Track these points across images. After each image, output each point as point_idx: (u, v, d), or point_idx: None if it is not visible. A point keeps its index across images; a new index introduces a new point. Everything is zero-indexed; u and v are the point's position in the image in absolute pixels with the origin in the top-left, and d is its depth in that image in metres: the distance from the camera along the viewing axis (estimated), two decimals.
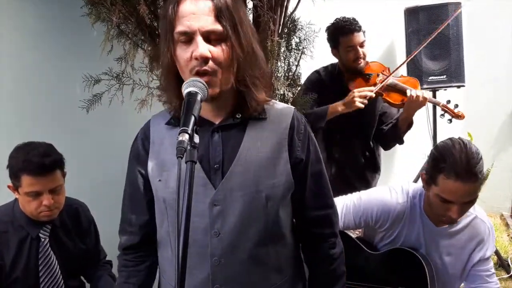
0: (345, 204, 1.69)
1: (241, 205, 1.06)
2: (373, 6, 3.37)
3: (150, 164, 1.12)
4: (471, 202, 1.46)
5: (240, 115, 1.08)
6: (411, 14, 3.41)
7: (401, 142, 2.45)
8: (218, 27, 0.98)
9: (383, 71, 2.41)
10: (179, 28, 0.99)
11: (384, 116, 2.49)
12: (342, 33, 2.34)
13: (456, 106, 2.31)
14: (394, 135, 2.41)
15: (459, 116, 2.28)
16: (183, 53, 1.00)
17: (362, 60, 2.38)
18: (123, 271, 1.21)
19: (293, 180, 1.11)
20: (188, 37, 0.98)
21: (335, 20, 2.40)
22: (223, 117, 1.09)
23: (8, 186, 1.62)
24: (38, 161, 1.55)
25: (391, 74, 2.36)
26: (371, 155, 2.55)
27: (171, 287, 1.16)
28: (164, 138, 1.12)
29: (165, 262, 1.18)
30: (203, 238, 1.06)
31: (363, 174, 2.53)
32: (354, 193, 1.73)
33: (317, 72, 2.55)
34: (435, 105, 2.34)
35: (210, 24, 0.98)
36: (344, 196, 1.75)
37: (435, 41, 3.34)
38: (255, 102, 1.07)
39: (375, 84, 2.35)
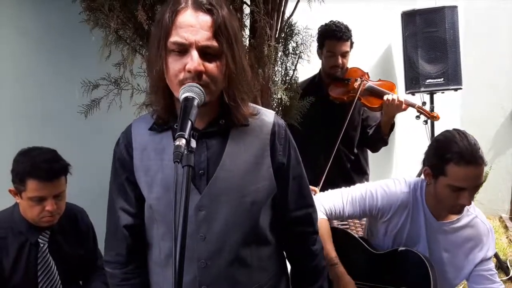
0: (349, 193, 1.73)
1: (226, 210, 1.09)
2: (370, 10, 3.38)
3: (136, 170, 1.13)
4: (479, 186, 1.52)
5: (223, 121, 1.10)
6: (408, 17, 3.42)
7: (385, 143, 2.51)
8: (214, 43, 0.99)
9: (362, 76, 2.47)
10: (175, 38, 0.99)
11: (367, 120, 2.54)
12: (328, 36, 2.38)
13: (432, 109, 2.42)
14: (378, 138, 2.47)
15: (434, 117, 2.38)
16: (174, 63, 1.00)
17: (339, 70, 2.44)
18: (125, 285, 1.20)
19: (276, 184, 1.15)
20: (183, 49, 0.99)
21: (330, 21, 2.44)
22: (207, 123, 1.11)
23: (10, 190, 1.62)
24: (46, 167, 1.56)
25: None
26: (356, 159, 2.60)
27: None
28: (147, 144, 1.13)
29: (154, 265, 1.19)
30: (189, 242, 1.05)
31: (350, 177, 2.58)
32: (359, 184, 1.77)
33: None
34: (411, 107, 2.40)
35: (207, 39, 0.99)
36: (349, 187, 1.78)
37: (433, 44, 3.36)
38: (241, 116, 1.10)
39: (353, 89, 2.41)
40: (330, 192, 1.78)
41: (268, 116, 1.18)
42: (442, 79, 3.34)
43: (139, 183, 1.13)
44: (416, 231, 1.67)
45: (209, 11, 0.99)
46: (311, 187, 2.35)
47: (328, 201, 1.71)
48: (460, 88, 3.39)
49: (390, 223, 1.69)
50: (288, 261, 1.32)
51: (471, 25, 4.16)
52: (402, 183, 1.70)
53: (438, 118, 2.39)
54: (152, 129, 1.13)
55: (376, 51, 3.74)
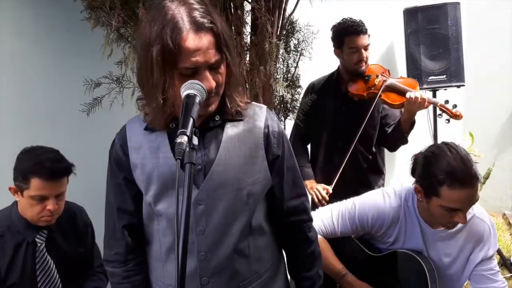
0: (340, 211, 1.68)
1: (224, 203, 1.12)
2: (372, 7, 3.37)
3: (133, 168, 1.15)
4: (474, 203, 1.46)
5: (219, 117, 1.14)
6: (410, 14, 3.41)
7: (405, 142, 2.43)
8: (219, 57, 1.04)
9: (383, 73, 2.41)
10: (186, 63, 1.01)
11: (386, 118, 2.47)
12: (348, 33, 2.33)
13: (455, 106, 2.31)
14: (398, 136, 2.40)
15: (457, 116, 2.27)
16: None
17: (364, 64, 2.38)
18: (126, 283, 1.20)
19: (271, 176, 1.19)
20: (193, 71, 1.02)
21: (342, 19, 2.40)
22: (203, 120, 1.13)
23: (10, 188, 1.62)
24: (51, 166, 1.57)
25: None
26: (374, 158, 2.52)
27: (161, 284, 1.19)
28: (142, 143, 1.15)
29: (153, 261, 1.21)
30: (189, 235, 1.08)
31: (366, 178, 2.51)
32: (348, 200, 1.72)
33: (312, 83, 2.56)
34: (433, 105, 2.34)
35: (214, 56, 1.03)
36: (338, 203, 1.73)
37: (435, 41, 3.35)
38: (237, 106, 1.14)
39: (374, 85, 2.36)
40: (319, 211, 1.72)
41: (261, 110, 1.21)
42: (444, 76, 3.33)
43: (137, 181, 1.15)
44: (412, 241, 1.63)
45: (209, 29, 1.02)
46: (323, 185, 2.37)
47: (318, 222, 1.65)
48: (463, 85, 3.38)
49: (384, 237, 1.67)
50: (285, 250, 1.35)
51: (473, 22, 4.13)
52: (392, 196, 1.64)
53: (461, 117, 2.27)
54: (147, 129, 1.15)
55: (378, 48, 3.72)
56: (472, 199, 1.43)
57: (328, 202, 2.23)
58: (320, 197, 2.33)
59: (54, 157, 1.60)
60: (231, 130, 1.14)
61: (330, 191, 2.33)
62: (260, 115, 1.19)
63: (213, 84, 1.03)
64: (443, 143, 1.51)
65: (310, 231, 1.31)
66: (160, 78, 1.02)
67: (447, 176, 1.40)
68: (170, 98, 1.04)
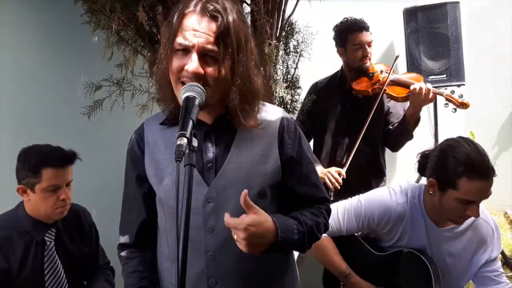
0: (345, 209, 1.68)
1: (234, 202, 1.09)
2: (371, 7, 3.37)
3: (147, 164, 1.16)
4: (489, 196, 1.47)
5: (230, 117, 1.12)
6: (410, 14, 3.41)
7: (410, 137, 2.41)
8: (215, 48, 1.02)
9: (387, 70, 2.42)
10: (179, 39, 1.03)
11: (390, 116, 2.45)
12: (351, 30, 2.34)
13: (461, 96, 2.29)
14: (403, 131, 2.37)
15: (464, 105, 2.25)
16: (177, 62, 1.04)
17: (368, 60, 2.39)
18: (128, 262, 1.22)
19: (284, 177, 1.15)
20: (186, 50, 1.03)
21: (344, 18, 2.41)
22: (215, 118, 1.13)
23: (18, 189, 1.62)
24: (59, 154, 1.62)
25: (391, 68, 2.38)
26: (376, 159, 2.50)
27: (170, 285, 1.19)
28: (158, 138, 1.16)
29: (162, 259, 1.22)
30: (197, 234, 1.09)
31: (368, 179, 2.47)
32: (353, 197, 1.72)
33: (315, 82, 2.56)
34: (439, 95, 2.33)
35: (209, 43, 1.02)
36: (344, 200, 1.73)
37: (435, 41, 3.35)
38: (242, 126, 1.10)
39: (378, 81, 2.36)
40: None
41: (277, 111, 1.21)
42: (444, 75, 3.32)
43: (149, 177, 1.16)
44: (417, 239, 1.63)
45: (213, 18, 1.03)
46: (335, 168, 2.33)
47: None
48: (463, 84, 3.38)
49: (389, 234, 1.66)
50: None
51: (473, 21, 4.14)
52: (398, 193, 1.65)
53: (468, 105, 2.25)
54: (163, 124, 1.16)
55: (378, 48, 3.71)
56: (487, 192, 1.45)
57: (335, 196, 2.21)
58: (333, 180, 2.26)
59: (56, 147, 1.65)
60: (244, 128, 1.12)
61: (343, 173, 2.28)
62: (276, 115, 1.18)
63: (197, 68, 1.00)
64: (459, 137, 1.52)
65: (325, 214, 1.20)
66: (163, 52, 1.06)
67: (467, 168, 1.41)
68: (168, 72, 1.06)
